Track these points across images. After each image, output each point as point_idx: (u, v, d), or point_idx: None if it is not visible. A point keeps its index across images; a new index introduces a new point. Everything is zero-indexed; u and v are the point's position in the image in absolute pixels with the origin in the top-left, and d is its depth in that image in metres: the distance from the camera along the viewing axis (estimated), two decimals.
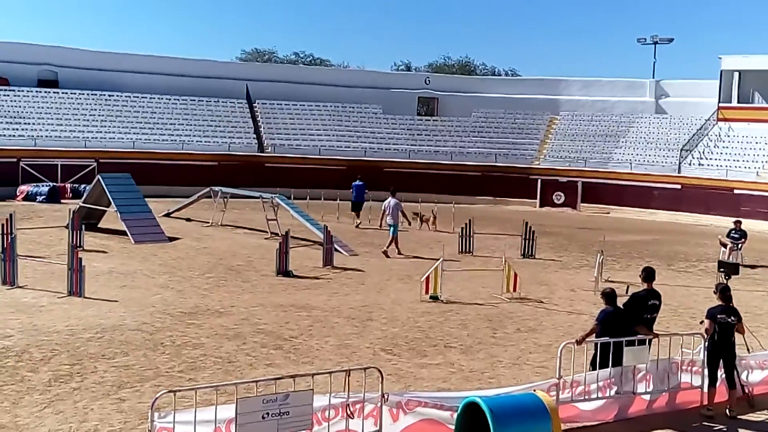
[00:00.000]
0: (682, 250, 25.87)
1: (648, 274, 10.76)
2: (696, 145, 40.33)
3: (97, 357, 11.37)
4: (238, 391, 7.62)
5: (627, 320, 10.08)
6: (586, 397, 9.54)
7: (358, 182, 29.45)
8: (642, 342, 9.95)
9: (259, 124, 43.31)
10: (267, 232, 24.58)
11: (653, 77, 47.92)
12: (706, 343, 10.14)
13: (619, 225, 32.85)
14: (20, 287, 15.78)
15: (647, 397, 10.01)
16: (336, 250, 20.84)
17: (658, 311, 10.70)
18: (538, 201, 40.42)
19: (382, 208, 23.47)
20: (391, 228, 22.26)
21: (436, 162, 41.88)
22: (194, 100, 43.08)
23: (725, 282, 14.21)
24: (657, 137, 42.55)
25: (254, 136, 42.20)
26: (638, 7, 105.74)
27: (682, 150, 40.00)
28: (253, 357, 11.77)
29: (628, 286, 16.53)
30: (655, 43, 52.63)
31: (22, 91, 39.63)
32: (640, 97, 45.97)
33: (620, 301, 10.40)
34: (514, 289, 16.79)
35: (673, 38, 53.27)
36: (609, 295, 10.17)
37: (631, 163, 40.43)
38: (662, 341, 10.33)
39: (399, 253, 21.91)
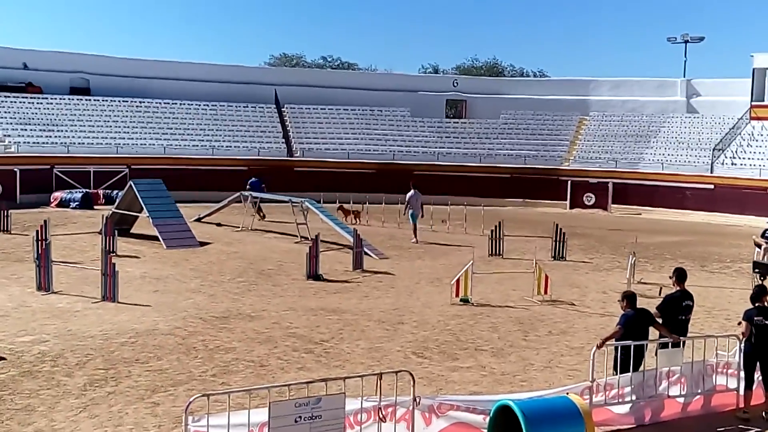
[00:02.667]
0: (715, 251, 25.54)
1: (680, 275, 10.62)
2: (728, 145, 39.81)
3: (131, 361, 11.49)
4: (271, 395, 7.66)
5: (649, 323, 9.97)
6: (620, 400, 9.45)
7: (253, 179, 31.30)
8: (676, 344, 9.85)
9: (288, 128, 43.52)
10: (297, 236, 24.68)
11: (684, 76, 47.40)
12: (743, 345, 10.00)
13: (651, 226, 32.51)
14: (55, 293, 15.99)
15: (681, 400, 9.90)
16: (366, 253, 20.88)
17: (691, 312, 10.58)
18: (568, 202, 40.14)
19: (406, 199, 25.83)
20: (412, 217, 25.14)
21: (465, 164, 41.74)
22: (224, 106, 43.39)
23: (761, 282, 14.03)
24: (689, 137, 42.06)
25: (283, 140, 42.41)
26: (668, 6, 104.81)
27: (714, 149, 39.49)
28: (285, 361, 11.82)
29: (661, 288, 16.44)
30: (686, 41, 52.01)
31: (55, 98, 40.18)
32: (671, 97, 45.46)
33: (654, 303, 10.29)
34: (545, 292, 16.69)
35: (703, 37, 52.64)
36: (630, 298, 10.05)
37: (662, 164, 40.01)
38: (697, 343, 10.20)
39: (416, 241, 24.11)
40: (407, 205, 25.89)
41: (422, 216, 26.14)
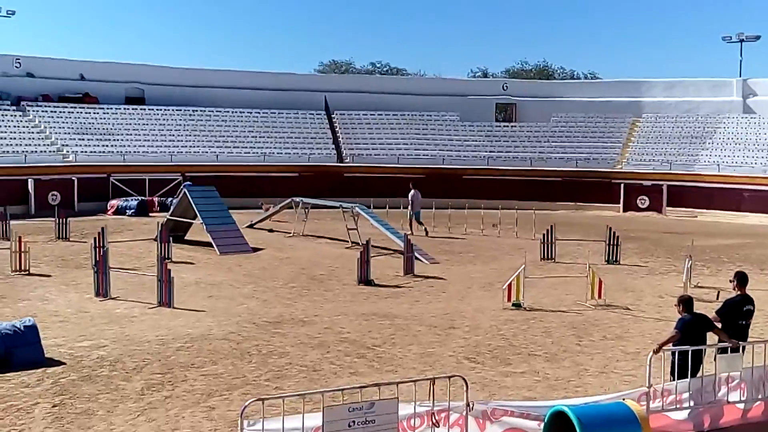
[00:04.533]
0: None
1: (741, 279, 10.39)
2: None
3: (186, 366, 11.66)
4: (324, 400, 7.70)
5: (707, 327, 9.77)
6: (678, 406, 9.28)
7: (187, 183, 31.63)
8: (735, 349, 9.64)
9: (338, 134, 43.76)
10: (348, 241, 24.78)
11: (740, 76, 46.41)
12: None
13: (708, 229, 31.86)
14: (113, 298, 16.32)
15: (741, 406, 9.67)
16: (416, 258, 20.86)
17: (752, 317, 10.35)
18: (621, 205, 39.50)
19: (410, 199, 28.49)
20: (416, 214, 28.20)
21: (516, 168, 41.43)
22: (274, 113, 43.85)
23: None
24: (746, 137, 41.14)
25: (333, 146, 42.67)
26: (723, 5, 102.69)
27: None
28: (337, 365, 11.87)
29: (718, 292, 16.13)
30: (741, 41, 50.92)
31: (111, 108, 41.03)
32: (727, 97, 44.51)
33: (711, 307, 10.09)
34: (599, 296, 16.48)
35: (759, 35, 51.41)
36: (686, 302, 9.86)
37: (718, 165, 39.17)
38: (757, 348, 9.96)
39: (413, 232, 26.12)
40: (410, 204, 28.59)
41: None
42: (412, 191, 28.64)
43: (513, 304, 16.04)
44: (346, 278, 19.17)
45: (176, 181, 36.10)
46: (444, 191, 36.92)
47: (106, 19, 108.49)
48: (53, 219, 25.76)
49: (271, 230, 28.08)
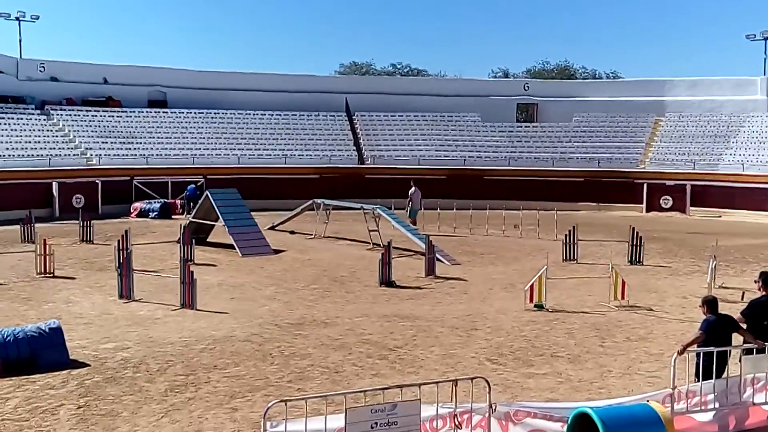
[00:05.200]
0: None
1: (766, 279, 10.26)
2: None
3: (209, 367, 11.72)
4: (347, 401, 7.71)
5: (732, 328, 9.68)
6: (702, 407, 9.19)
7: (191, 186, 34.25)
8: (761, 350, 9.54)
9: (359, 136, 43.84)
10: (369, 243, 24.80)
11: (764, 74, 45.88)
12: None
13: (732, 229, 31.56)
14: (136, 300, 16.44)
15: (767, 407, 9.57)
16: (438, 259, 20.83)
17: None
18: (644, 206, 39.23)
19: (409, 196, 29.88)
20: (414, 211, 29.33)
21: (537, 168, 41.32)
22: (295, 115, 44.00)
23: None
24: None
25: (354, 148, 42.74)
26: (747, 3, 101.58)
27: None
28: (359, 367, 11.88)
29: (743, 292, 15.97)
30: (766, 39, 50.22)
31: (134, 111, 41.40)
32: (751, 96, 44.06)
33: (736, 308, 9.99)
34: (622, 297, 16.36)
35: None
36: (711, 303, 9.77)
37: (743, 164, 38.78)
38: None
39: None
40: (409, 201, 29.95)
41: (421, 209, 29.86)
42: (413, 189, 29.99)
43: (535, 305, 15.97)
44: (368, 280, 19.18)
45: (198, 184, 36.32)
46: (465, 192, 36.96)
47: (129, 22, 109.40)
48: (77, 222, 26.02)
49: (292, 232, 28.16)
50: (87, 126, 39.36)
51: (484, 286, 18.67)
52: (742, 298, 15.22)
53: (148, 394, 10.51)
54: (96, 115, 40.24)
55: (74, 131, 38.71)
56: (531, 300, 16.03)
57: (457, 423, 8.05)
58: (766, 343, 9.74)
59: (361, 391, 8.49)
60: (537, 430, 8.45)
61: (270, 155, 40.55)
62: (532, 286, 16.08)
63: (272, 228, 28.41)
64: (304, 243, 25.89)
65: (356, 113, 44.96)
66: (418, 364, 12.05)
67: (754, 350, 9.52)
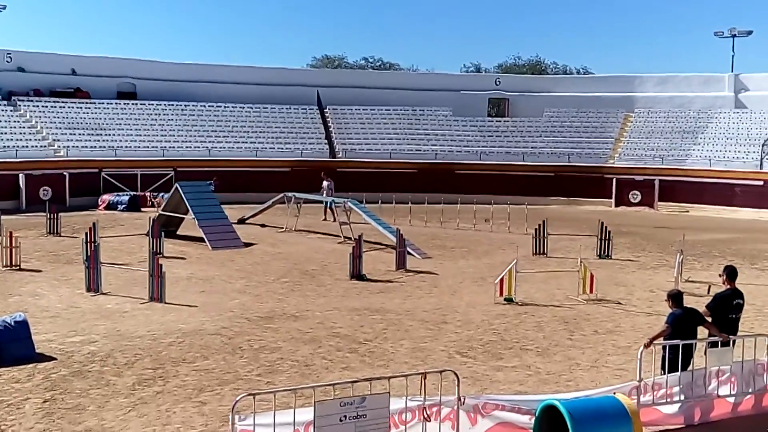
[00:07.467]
0: (765, 248, 24.99)
1: (730, 273, 10.43)
2: None
3: (178, 361, 11.65)
4: (316, 394, 7.71)
5: (697, 322, 9.81)
6: (668, 400, 9.31)
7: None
8: (725, 343, 9.67)
9: (331, 129, 43.71)
10: (340, 236, 24.77)
11: (732, 71, 46.49)
12: None
13: (699, 224, 31.97)
14: (104, 294, 16.27)
15: (732, 399, 9.72)
16: (409, 253, 20.87)
17: (741, 311, 10.39)
18: (613, 200, 39.61)
19: (324, 188, 30.82)
20: (327, 202, 28.73)
21: (508, 163, 41.41)
22: (267, 108, 43.75)
23: None
24: (737, 132, 41.26)
25: (326, 141, 42.61)
26: (714, 1, 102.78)
27: (763, 145, 38.61)
28: (329, 360, 11.88)
29: (709, 286, 16.18)
30: (733, 36, 50.92)
31: (102, 103, 40.88)
32: (719, 92, 44.63)
33: (702, 302, 10.12)
34: (591, 291, 16.51)
35: (752, 30, 51.29)
36: (676, 297, 9.89)
37: (710, 160, 39.27)
38: (747, 342, 10.01)
39: (325, 219, 28.43)
40: (324, 193, 30.53)
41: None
42: (326, 181, 31.09)
43: (505, 299, 16.07)
44: (338, 273, 19.16)
45: (168, 176, 36.04)
46: (437, 186, 37.04)
47: (98, 13, 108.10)
48: (44, 214, 25.66)
49: (263, 225, 28.04)
50: (55, 117, 38.79)
51: (454, 280, 18.74)
52: (708, 292, 15.42)
53: (115, 388, 10.42)
54: (64, 107, 39.67)
55: (42, 122, 38.16)
56: (501, 293, 16.13)
57: (426, 416, 8.07)
58: (730, 336, 9.89)
59: (330, 384, 8.48)
60: (505, 423, 8.51)
61: (241, 148, 40.27)
62: (502, 280, 16.17)
63: (243, 221, 28.26)
64: (275, 236, 25.79)
65: (328, 107, 44.81)
66: (388, 358, 12.07)
67: (719, 343, 9.66)
